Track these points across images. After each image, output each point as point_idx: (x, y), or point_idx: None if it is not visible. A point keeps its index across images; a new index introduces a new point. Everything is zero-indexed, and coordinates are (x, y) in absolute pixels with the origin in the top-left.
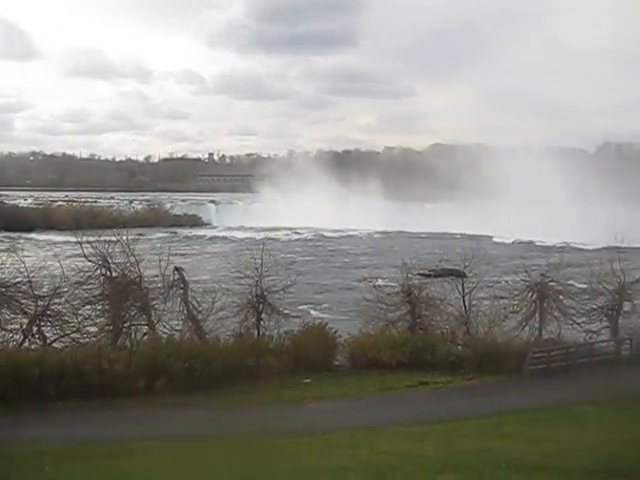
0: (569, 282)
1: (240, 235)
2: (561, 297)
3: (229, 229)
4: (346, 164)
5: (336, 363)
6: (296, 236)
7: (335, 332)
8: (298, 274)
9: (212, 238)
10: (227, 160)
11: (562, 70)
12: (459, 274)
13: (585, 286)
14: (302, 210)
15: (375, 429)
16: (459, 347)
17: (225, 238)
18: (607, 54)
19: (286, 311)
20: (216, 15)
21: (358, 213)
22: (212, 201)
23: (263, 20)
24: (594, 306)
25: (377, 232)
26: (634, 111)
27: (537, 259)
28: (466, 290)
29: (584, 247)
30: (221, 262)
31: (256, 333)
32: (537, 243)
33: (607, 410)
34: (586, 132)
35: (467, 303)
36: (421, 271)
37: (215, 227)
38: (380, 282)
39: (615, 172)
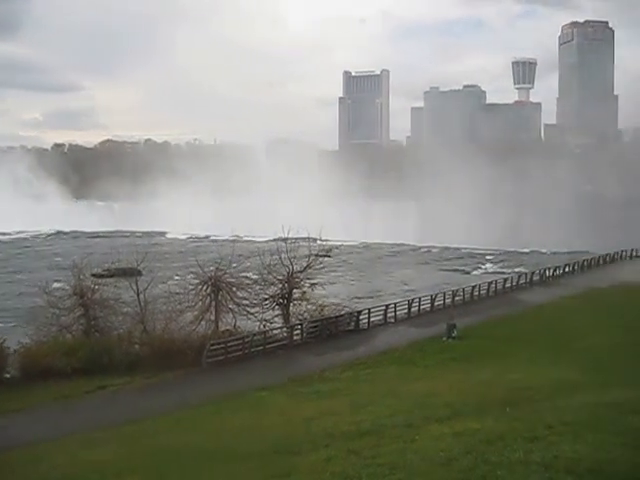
0: (242, 274)
1: None
2: (234, 289)
3: None
4: (13, 162)
5: (7, 376)
6: None
7: (3, 342)
8: None
9: None
10: None
11: (231, 68)
12: (134, 272)
13: (257, 277)
14: None
15: (52, 441)
16: (137, 346)
17: None
18: (272, 56)
19: None
20: None
21: (28, 214)
22: None
23: None
24: (266, 296)
25: (52, 233)
26: (295, 108)
27: (210, 253)
28: (141, 288)
29: (256, 239)
30: None
31: None
32: (212, 237)
33: (281, 393)
34: (258, 128)
35: (143, 301)
36: (95, 271)
37: None
38: (54, 285)
39: (289, 167)
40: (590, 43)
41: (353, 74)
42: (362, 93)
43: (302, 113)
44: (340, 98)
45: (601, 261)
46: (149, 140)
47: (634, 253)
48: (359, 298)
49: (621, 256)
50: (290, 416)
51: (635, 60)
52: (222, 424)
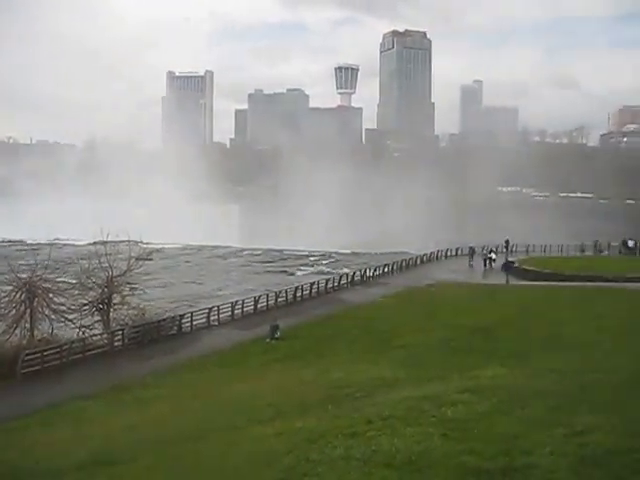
0: (60, 279)
1: None
2: (51, 295)
3: None
4: None
5: None
6: None
7: None
8: None
9: None
10: None
11: (52, 66)
12: None
13: (75, 282)
14: None
15: None
16: None
17: None
18: (94, 54)
19: None
20: None
21: None
22: None
23: None
24: (85, 301)
25: None
26: (116, 107)
27: (26, 257)
28: None
29: (75, 243)
30: None
31: None
32: (28, 241)
33: (101, 402)
34: (79, 128)
35: None
36: None
37: None
38: None
39: (102, 168)
40: (409, 52)
41: (177, 74)
42: (186, 94)
43: (125, 113)
44: (163, 98)
45: (419, 261)
46: None
47: (449, 252)
48: (188, 301)
49: (437, 256)
50: (111, 425)
51: (450, 69)
52: (38, 438)
